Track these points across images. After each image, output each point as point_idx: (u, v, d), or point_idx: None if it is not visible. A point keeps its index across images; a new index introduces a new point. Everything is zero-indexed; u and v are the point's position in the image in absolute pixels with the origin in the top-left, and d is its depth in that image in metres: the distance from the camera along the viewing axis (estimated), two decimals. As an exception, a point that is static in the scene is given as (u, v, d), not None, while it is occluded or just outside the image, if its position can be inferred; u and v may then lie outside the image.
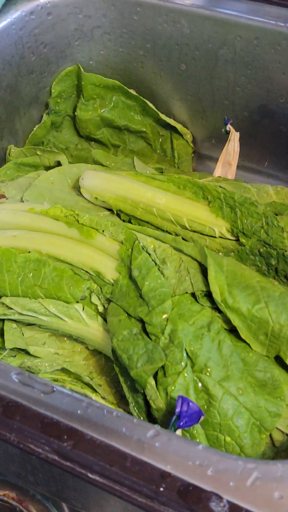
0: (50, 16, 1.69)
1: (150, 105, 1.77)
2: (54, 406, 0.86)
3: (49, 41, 1.72)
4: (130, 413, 1.13)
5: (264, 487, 0.77)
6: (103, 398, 1.22)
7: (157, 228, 1.39)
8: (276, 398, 1.07)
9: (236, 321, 1.11)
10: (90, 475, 0.80)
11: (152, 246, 1.24)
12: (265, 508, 0.75)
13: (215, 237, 1.34)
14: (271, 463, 0.80)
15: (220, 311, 1.14)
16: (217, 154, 1.78)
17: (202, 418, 0.98)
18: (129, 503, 0.78)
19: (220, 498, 0.76)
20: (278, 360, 1.12)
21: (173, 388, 1.05)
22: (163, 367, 1.07)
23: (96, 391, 1.23)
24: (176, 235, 1.35)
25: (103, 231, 1.27)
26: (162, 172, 1.64)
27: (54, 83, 1.79)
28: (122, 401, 1.22)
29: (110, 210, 1.44)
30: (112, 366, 1.21)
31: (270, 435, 1.08)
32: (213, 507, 0.75)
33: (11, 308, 1.24)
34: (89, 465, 0.81)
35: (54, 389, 0.89)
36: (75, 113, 1.81)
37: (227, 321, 1.13)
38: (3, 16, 1.61)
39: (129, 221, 1.42)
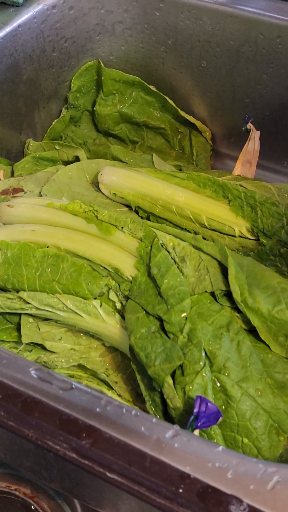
0: (72, 10, 1.68)
1: (170, 101, 1.77)
2: (73, 403, 0.86)
3: (70, 36, 1.72)
4: (146, 411, 1.12)
5: (285, 491, 0.76)
6: (119, 395, 1.21)
7: (176, 226, 1.38)
8: (295, 400, 1.07)
9: (256, 322, 1.10)
10: (108, 474, 0.80)
11: (171, 244, 1.23)
12: (286, 513, 0.74)
13: (234, 236, 1.33)
14: (292, 467, 0.79)
15: (239, 311, 1.14)
16: (235, 153, 1.77)
17: (220, 419, 0.97)
18: (147, 503, 0.78)
19: (240, 501, 0.75)
20: (297, 362, 1.11)
21: (191, 387, 1.04)
22: (181, 366, 1.07)
23: (112, 388, 1.22)
24: (195, 233, 1.34)
25: (122, 227, 1.26)
26: (180, 169, 1.63)
27: (74, 77, 1.79)
28: (138, 399, 1.21)
29: (129, 206, 1.44)
30: (128, 363, 1.20)
31: (288, 438, 1.08)
32: (233, 510, 0.74)
33: (29, 303, 1.23)
34: (107, 464, 0.80)
35: (73, 386, 0.88)
36: (94, 108, 1.80)
37: (246, 321, 1.12)
38: (25, 9, 1.61)
39: (148, 218, 1.41)
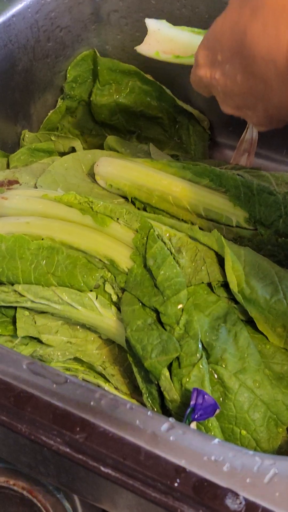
0: (66, -1, 1.67)
1: (167, 90, 1.75)
2: (67, 397, 0.85)
3: (65, 25, 1.70)
4: (143, 404, 1.11)
5: (282, 484, 0.74)
6: (116, 388, 1.21)
7: (173, 216, 1.37)
8: (293, 391, 1.06)
9: (253, 313, 1.09)
10: (102, 469, 0.79)
11: (167, 234, 1.22)
12: (283, 506, 0.73)
13: (232, 226, 1.32)
14: (289, 460, 0.78)
15: (236, 302, 1.13)
16: (234, 142, 1.76)
17: (217, 411, 0.96)
18: (142, 498, 0.76)
19: (236, 495, 0.74)
20: (296, 352, 1.10)
21: (188, 379, 1.03)
22: (178, 358, 1.06)
23: (109, 381, 1.21)
24: (192, 224, 1.33)
25: (117, 219, 1.25)
26: (178, 159, 1.62)
27: (69, 67, 1.77)
28: (135, 392, 1.21)
29: (125, 197, 1.43)
30: (125, 356, 1.20)
31: (287, 429, 1.06)
32: (229, 504, 0.73)
33: (24, 296, 1.22)
34: (102, 458, 0.79)
35: (67, 379, 0.87)
36: (91, 98, 1.79)
37: (243, 312, 1.11)
38: (18, -1, 1.60)
39: (144, 209, 1.40)
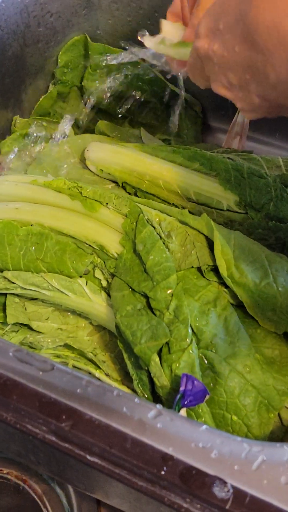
0: (56, -17, 1.65)
1: (159, 75, 1.73)
2: (53, 385, 0.83)
3: (55, 10, 1.69)
4: (134, 390, 1.10)
5: (270, 471, 0.74)
6: (107, 374, 1.20)
7: (164, 201, 1.36)
8: (285, 376, 1.05)
9: (243, 297, 1.08)
10: (89, 457, 0.78)
11: (157, 219, 1.21)
12: (271, 494, 0.72)
13: (222, 210, 1.30)
14: (278, 446, 0.77)
15: (227, 286, 1.12)
16: (226, 126, 1.75)
17: (207, 396, 0.95)
18: (129, 487, 0.75)
19: (224, 482, 0.73)
20: (287, 336, 1.09)
21: (177, 365, 1.02)
22: (167, 343, 1.05)
23: (99, 368, 1.21)
24: (183, 208, 1.32)
25: (106, 203, 1.24)
26: (170, 144, 1.61)
27: (60, 53, 1.76)
28: (126, 378, 1.20)
29: (116, 182, 1.42)
30: (116, 342, 1.19)
31: (279, 414, 1.05)
32: (216, 492, 0.72)
33: (13, 283, 1.22)
34: (88, 446, 0.78)
35: (54, 366, 0.86)
36: (82, 83, 1.77)
37: (234, 296, 1.10)
38: (7, -16, 1.58)
39: (135, 194, 1.39)
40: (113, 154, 1.41)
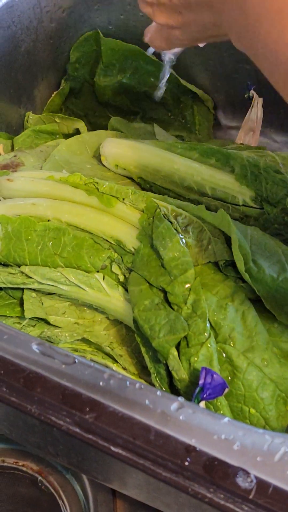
0: (68, -21, 1.66)
1: (171, 70, 1.74)
2: (76, 377, 0.84)
3: (67, 6, 1.69)
4: (151, 384, 1.11)
5: (292, 462, 0.75)
6: (124, 368, 1.21)
7: (179, 196, 1.37)
8: (302, 369, 1.06)
9: (260, 291, 1.09)
10: (113, 448, 0.79)
11: (173, 214, 1.21)
12: (293, 484, 0.73)
13: (238, 205, 1.31)
14: (299, 438, 0.78)
15: (244, 281, 1.12)
16: (238, 122, 1.75)
17: (226, 390, 0.96)
18: (153, 477, 0.77)
19: (247, 473, 0.74)
20: (304, 331, 1.10)
21: (196, 359, 1.03)
22: (185, 337, 1.05)
23: (117, 362, 1.21)
24: (199, 203, 1.33)
25: (123, 199, 1.25)
26: (183, 140, 1.61)
27: (72, 48, 1.77)
28: (143, 372, 1.21)
29: (131, 178, 1.42)
30: (133, 336, 1.20)
31: (296, 407, 1.06)
32: (240, 482, 0.73)
33: (31, 277, 1.22)
34: (111, 438, 0.79)
35: (76, 360, 0.87)
36: (94, 79, 1.78)
37: (251, 291, 1.11)
38: (21, -20, 1.59)
39: (150, 190, 1.40)
40: (128, 150, 1.41)
